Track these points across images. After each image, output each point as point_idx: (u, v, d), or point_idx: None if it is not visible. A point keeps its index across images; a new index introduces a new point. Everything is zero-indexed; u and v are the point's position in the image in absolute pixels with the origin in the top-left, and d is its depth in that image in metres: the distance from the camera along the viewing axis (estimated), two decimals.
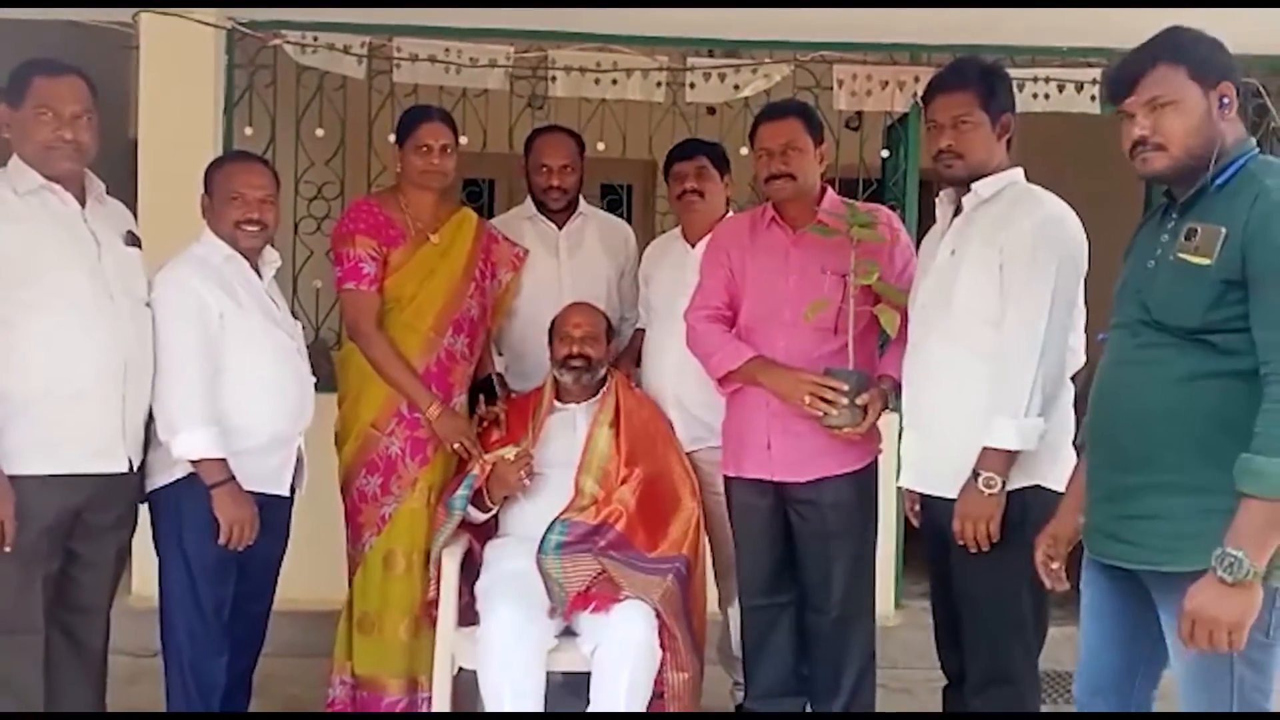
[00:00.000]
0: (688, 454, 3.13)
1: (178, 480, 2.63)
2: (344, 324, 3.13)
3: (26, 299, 2.36)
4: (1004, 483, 2.34)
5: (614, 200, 6.11)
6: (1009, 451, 2.35)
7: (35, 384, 2.38)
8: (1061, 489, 2.31)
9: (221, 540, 2.59)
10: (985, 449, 2.36)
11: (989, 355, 2.39)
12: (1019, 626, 2.48)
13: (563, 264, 3.38)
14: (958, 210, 2.56)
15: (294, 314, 3.00)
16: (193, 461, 2.59)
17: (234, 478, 2.60)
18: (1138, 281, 1.98)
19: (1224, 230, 1.83)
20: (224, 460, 2.60)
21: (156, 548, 2.70)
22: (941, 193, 2.63)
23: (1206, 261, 1.83)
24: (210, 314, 2.62)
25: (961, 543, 2.38)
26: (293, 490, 2.86)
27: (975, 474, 2.37)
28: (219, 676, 2.71)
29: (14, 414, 2.36)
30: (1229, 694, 1.86)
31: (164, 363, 2.59)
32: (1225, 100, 1.90)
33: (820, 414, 2.67)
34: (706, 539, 3.12)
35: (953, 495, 2.44)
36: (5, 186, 2.42)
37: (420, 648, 2.95)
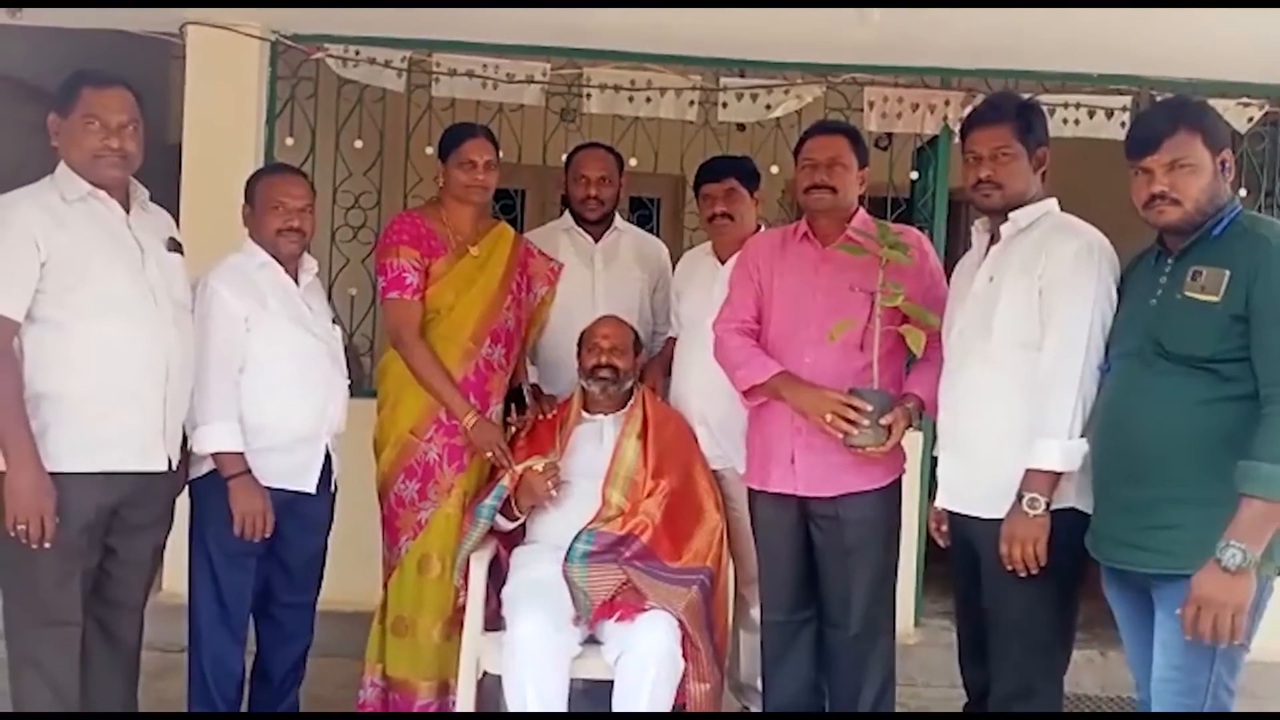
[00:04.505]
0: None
1: (205, 475, 2.76)
2: (387, 333, 3.19)
3: (74, 303, 2.43)
4: (1048, 504, 2.38)
5: (644, 214, 6.16)
6: (1053, 473, 2.38)
7: (81, 385, 2.44)
8: (1090, 511, 2.38)
9: (235, 531, 2.71)
10: (1029, 470, 2.40)
11: (1027, 379, 2.44)
12: (1046, 645, 2.52)
13: (597, 276, 3.45)
14: (993, 239, 2.61)
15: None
16: (213, 455, 2.72)
17: (249, 471, 2.72)
18: (1142, 318, 2.26)
19: (1228, 272, 2.12)
20: (240, 454, 2.72)
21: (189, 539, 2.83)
22: (977, 221, 2.69)
23: (1214, 299, 2.12)
24: (235, 317, 2.74)
25: (1010, 567, 2.41)
26: (334, 488, 2.96)
27: (1020, 496, 2.40)
28: (235, 665, 2.85)
29: (59, 414, 2.42)
30: (1205, 687, 2.12)
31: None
32: (1226, 165, 2.23)
33: (842, 433, 2.70)
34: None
35: (987, 515, 2.49)
36: (54, 193, 2.49)
37: (452, 651, 2.99)
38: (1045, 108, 3.15)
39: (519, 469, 2.98)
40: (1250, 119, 4.07)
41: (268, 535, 2.76)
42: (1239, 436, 2.06)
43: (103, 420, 2.47)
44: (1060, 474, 2.39)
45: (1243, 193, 4.07)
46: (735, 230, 3.25)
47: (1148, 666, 2.24)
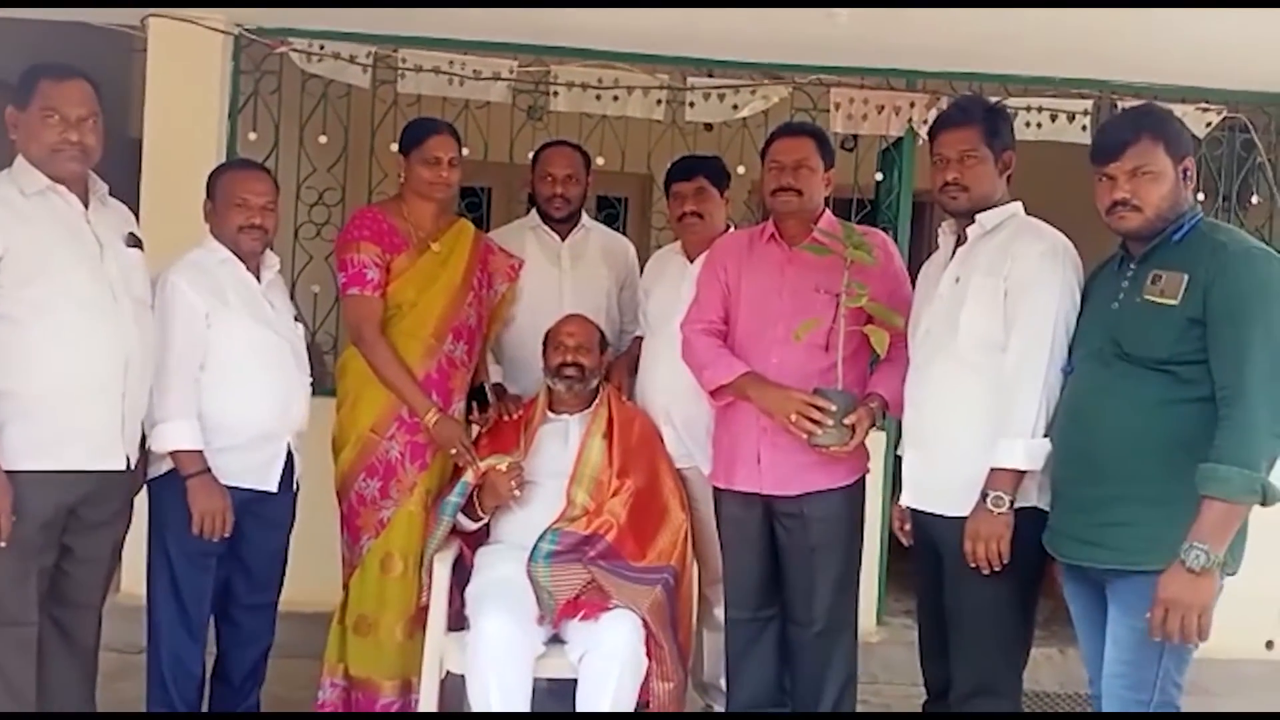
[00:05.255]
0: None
1: (164, 474, 2.73)
2: (347, 329, 3.16)
3: (31, 298, 2.39)
4: (1012, 502, 2.42)
5: (611, 214, 6.16)
6: (1017, 471, 2.42)
7: (39, 382, 2.40)
8: (1048, 509, 2.43)
9: (194, 530, 2.68)
10: (994, 469, 2.43)
11: (992, 379, 2.47)
12: (1006, 641, 2.56)
13: (564, 274, 3.44)
14: (959, 240, 2.64)
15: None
16: (171, 454, 2.69)
17: (209, 470, 2.69)
18: (1103, 320, 2.32)
19: (1186, 276, 2.17)
20: (199, 453, 2.69)
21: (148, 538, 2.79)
22: (944, 223, 2.72)
23: (1172, 302, 2.17)
24: (196, 314, 2.71)
25: (974, 564, 2.44)
26: (295, 486, 2.95)
27: (984, 494, 2.43)
28: (195, 666, 2.82)
29: (17, 411, 2.38)
30: (1154, 682, 2.17)
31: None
32: (1188, 173, 2.29)
33: (806, 433, 2.71)
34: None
35: (951, 513, 2.52)
36: (12, 187, 2.45)
37: (415, 650, 2.97)
38: (1009, 110, 3.19)
39: (483, 465, 2.96)
40: (1209, 124, 4.13)
41: (228, 535, 2.73)
42: (1194, 437, 2.11)
43: (62, 418, 2.43)
44: (1024, 472, 2.42)
45: (1200, 197, 4.13)
46: (704, 229, 3.26)
47: (1101, 662, 2.28)
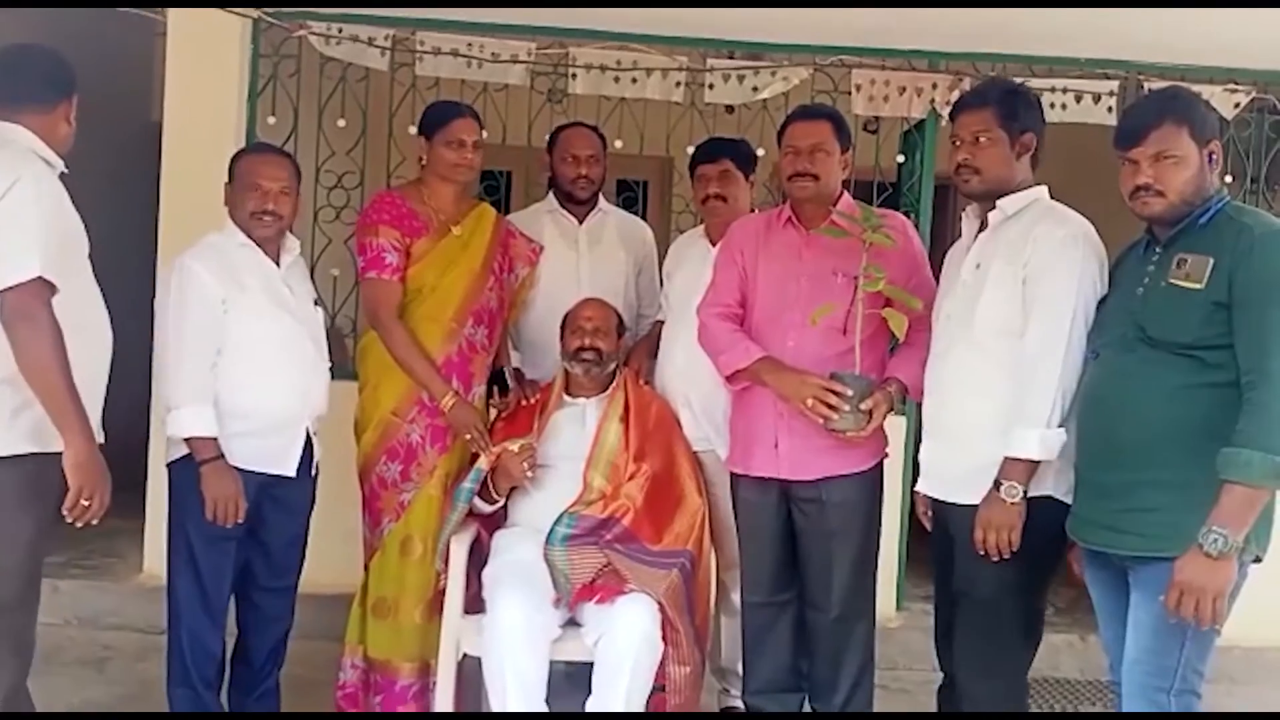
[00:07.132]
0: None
1: (181, 458, 2.75)
2: (365, 313, 3.16)
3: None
4: (1025, 492, 2.39)
5: (629, 197, 6.13)
6: (1031, 461, 2.39)
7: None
8: (1068, 500, 2.40)
9: (207, 516, 2.70)
10: (1008, 459, 2.41)
11: (1011, 367, 2.45)
12: (1011, 628, 2.54)
13: (581, 258, 3.43)
14: (983, 226, 2.61)
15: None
16: (186, 440, 2.70)
17: (222, 456, 2.70)
18: (1128, 305, 2.29)
19: (1211, 260, 2.14)
20: (214, 439, 2.70)
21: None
22: (967, 208, 2.69)
23: (1198, 286, 2.15)
24: (212, 299, 2.72)
25: (983, 552, 2.42)
26: (315, 471, 2.96)
27: (997, 483, 2.41)
28: (214, 646, 2.85)
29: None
30: (1175, 669, 2.16)
31: (164, 344, 2.71)
32: (1214, 157, 2.25)
33: (822, 418, 2.70)
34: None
35: (967, 501, 2.50)
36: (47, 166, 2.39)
37: (434, 632, 2.98)
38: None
39: (495, 450, 2.97)
40: (1237, 105, 4.07)
41: (240, 520, 2.74)
42: (1218, 422, 2.08)
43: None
44: (1038, 462, 2.40)
45: (1228, 179, 4.07)
46: (728, 213, 3.22)
47: (1122, 648, 2.26)
